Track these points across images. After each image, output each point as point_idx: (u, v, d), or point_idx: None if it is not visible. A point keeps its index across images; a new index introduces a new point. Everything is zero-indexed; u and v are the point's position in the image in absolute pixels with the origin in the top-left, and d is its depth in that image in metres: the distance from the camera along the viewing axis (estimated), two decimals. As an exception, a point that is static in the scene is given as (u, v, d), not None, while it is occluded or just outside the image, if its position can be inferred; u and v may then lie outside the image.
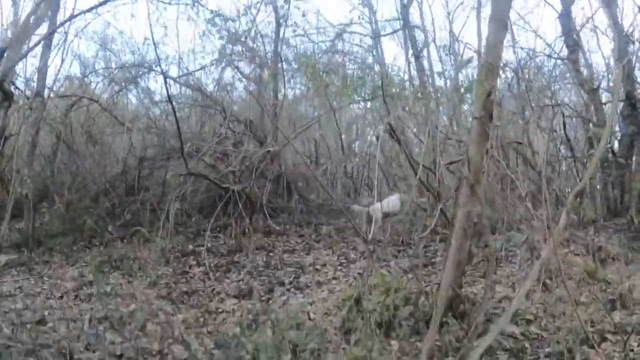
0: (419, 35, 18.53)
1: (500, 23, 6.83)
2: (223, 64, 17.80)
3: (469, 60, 10.55)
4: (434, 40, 19.65)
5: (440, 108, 14.25)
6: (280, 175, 14.83)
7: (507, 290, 8.53)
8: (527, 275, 8.44)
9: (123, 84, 17.05)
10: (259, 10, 17.42)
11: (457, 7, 20.43)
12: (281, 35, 17.38)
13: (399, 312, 7.35)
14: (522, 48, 14.29)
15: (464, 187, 6.72)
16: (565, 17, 14.14)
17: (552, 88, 14.01)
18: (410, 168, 11.30)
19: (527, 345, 6.73)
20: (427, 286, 7.54)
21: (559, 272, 8.32)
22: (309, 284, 9.87)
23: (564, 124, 13.27)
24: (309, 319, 8.03)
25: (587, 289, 8.09)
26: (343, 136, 18.74)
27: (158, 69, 15.19)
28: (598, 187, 13.71)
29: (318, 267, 10.84)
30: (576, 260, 8.89)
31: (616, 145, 13.52)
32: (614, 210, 12.78)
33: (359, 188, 16.73)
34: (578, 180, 13.53)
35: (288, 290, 9.76)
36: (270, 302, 9.17)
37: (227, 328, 8.20)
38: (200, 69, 17.29)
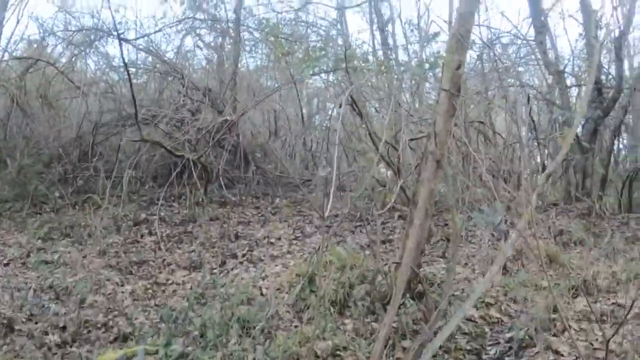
0: (385, 10, 18.19)
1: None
2: (184, 32, 17.21)
3: (436, 35, 10.21)
4: (399, 16, 19.25)
5: (403, 84, 13.90)
6: (237, 145, 14.34)
7: (466, 271, 8.26)
8: (490, 257, 8.18)
9: (81, 47, 16.39)
10: (222, -24, 16.84)
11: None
12: (244, 3, 16.89)
13: (355, 290, 7.03)
14: (488, 27, 13.90)
15: (428, 163, 6.36)
16: (535, -2, 13.86)
17: (517, 69, 13.71)
18: (371, 143, 10.94)
19: (486, 329, 6.45)
20: (385, 265, 7.18)
21: (521, 255, 8.08)
22: (263, 258, 9.50)
23: (529, 105, 13.02)
24: (261, 294, 7.67)
25: (548, 273, 7.83)
26: (304, 109, 18.29)
27: (115, 32, 14.55)
28: (560, 170, 13.52)
29: (273, 240, 10.44)
30: (540, 244, 8.62)
31: (579, 129, 13.28)
32: (575, 195, 12.57)
33: (318, 161, 16.32)
34: (540, 162, 13.33)
35: (241, 263, 9.36)
36: (222, 275, 8.79)
37: (176, 301, 7.84)
38: (157, 31, 16.58)
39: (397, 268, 6.40)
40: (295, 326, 6.68)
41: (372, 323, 6.55)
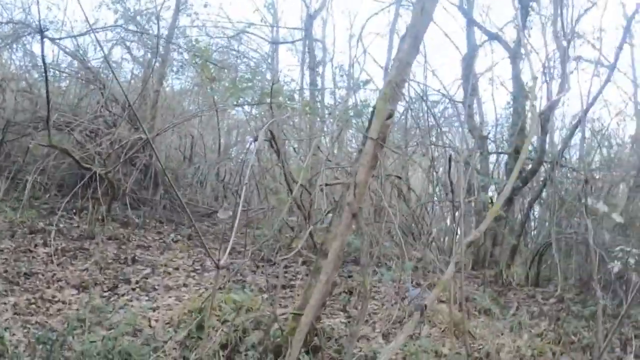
0: (319, 51, 18.09)
1: (415, 41, 6.32)
2: (114, 41, 16.64)
3: (366, 82, 10.03)
4: (331, 59, 19.11)
5: (325, 128, 13.71)
6: (149, 166, 13.86)
7: (366, 329, 7.96)
8: (392, 316, 7.97)
9: (6, 40, 15.66)
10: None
11: (362, 29, 19.61)
12: (179, 22, 16.47)
13: (248, 336, 6.68)
14: (418, 82, 13.84)
15: (344, 214, 6.09)
16: (469, 60, 13.90)
17: (440, 129, 13.65)
18: (285, 182, 10.66)
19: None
20: (283, 315, 6.87)
21: (425, 319, 7.87)
22: (157, 287, 9.03)
23: (449, 166, 12.94)
24: (149, 326, 7.24)
25: (451, 341, 7.64)
26: (222, 139, 17.86)
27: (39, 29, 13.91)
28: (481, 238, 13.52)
29: (170, 269, 9.98)
30: (442, 307, 8.41)
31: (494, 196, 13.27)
32: (483, 261, 12.50)
33: (228, 194, 15.90)
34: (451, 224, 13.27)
35: (133, 290, 8.87)
36: (112, 300, 8.32)
37: (59, 321, 7.36)
38: (84, 34, 15.88)
39: (296, 319, 6.08)
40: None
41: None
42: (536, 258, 11.82)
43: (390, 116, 6.09)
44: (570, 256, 11.58)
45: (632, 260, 6.27)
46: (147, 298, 8.55)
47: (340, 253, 6.14)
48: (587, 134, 13.95)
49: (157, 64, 15.87)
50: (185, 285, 9.18)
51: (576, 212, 11.20)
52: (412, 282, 9.27)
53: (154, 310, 7.87)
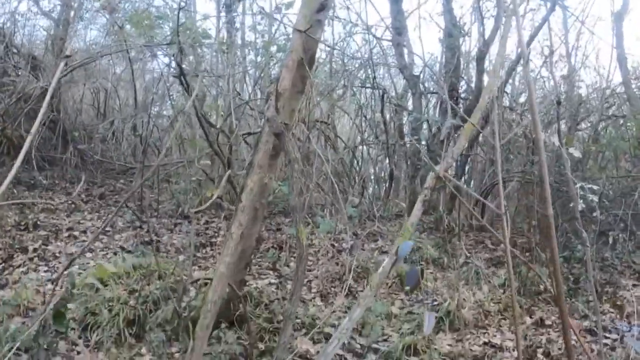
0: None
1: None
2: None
3: (290, 4, 8.68)
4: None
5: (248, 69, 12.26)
6: (57, 121, 12.28)
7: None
8: (331, 274, 6.82)
9: None
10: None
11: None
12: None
13: (159, 310, 5.40)
14: (341, 19, 12.54)
15: (263, 139, 4.72)
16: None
17: (369, 70, 12.44)
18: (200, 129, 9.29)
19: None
20: (201, 279, 5.61)
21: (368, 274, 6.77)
22: (58, 255, 7.61)
23: (382, 105, 11.76)
24: (43, 303, 5.88)
25: (398, 297, 6.53)
26: (139, 94, 16.19)
27: None
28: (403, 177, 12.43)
29: (77, 233, 8.54)
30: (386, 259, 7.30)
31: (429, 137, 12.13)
32: (421, 206, 11.37)
33: (147, 147, 14.41)
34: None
35: (31, 259, 7.39)
36: (5, 273, 6.91)
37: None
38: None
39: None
40: (78, 352, 5.00)
41: (177, 355, 4.96)
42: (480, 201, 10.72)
43: (322, 8, 4.72)
44: (519, 198, 10.50)
45: (595, 198, 5.18)
46: (46, 268, 7.16)
47: (261, 196, 4.81)
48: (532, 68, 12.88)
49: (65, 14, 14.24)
50: (91, 249, 7.74)
51: (524, 149, 10.09)
52: (349, 233, 8.07)
53: (52, 283, 6.49)
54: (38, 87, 11.21)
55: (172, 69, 12.04)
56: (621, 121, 11.34)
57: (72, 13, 14.09)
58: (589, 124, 12.01)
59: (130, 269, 6.41)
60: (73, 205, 10.03)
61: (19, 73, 12.26)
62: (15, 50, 13.04)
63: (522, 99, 13.53)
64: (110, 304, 5.44)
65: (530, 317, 6.24)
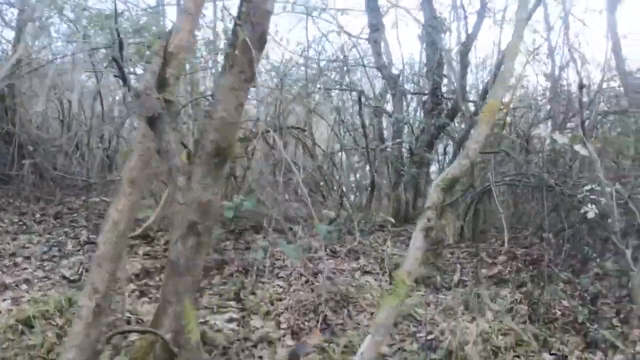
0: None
1: None
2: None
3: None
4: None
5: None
6: (13, 135, 11.21)
7: (268, 324, 5.62)
8: (312, 309, 5.78)
9: None
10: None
11: None
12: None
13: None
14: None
15: (140, 133, 3.59)
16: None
17: (346, 71, 11.53)
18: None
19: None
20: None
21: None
22: (-10, 287, 6.48)
23: (360, 106, 10.77)
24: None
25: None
26: (104, 104, 15.02)
27: None
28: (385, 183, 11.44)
29: (19, 259, 7.39)
30: (369, 281, 6.23)
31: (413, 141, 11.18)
32: (405, 216, 10.40)
33: (112, 161, 13.30)
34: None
35: (-40, 292, 6.29)
36: None
37: None
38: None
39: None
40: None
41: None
42: (471, 208, 9.66)
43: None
44: (515, 205, 9.50)
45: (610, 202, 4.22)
46: (-25, 302, 6.07)
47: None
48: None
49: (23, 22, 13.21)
50: (27, 281, 6.60)
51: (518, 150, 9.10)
52: (326, 250, 6.95)
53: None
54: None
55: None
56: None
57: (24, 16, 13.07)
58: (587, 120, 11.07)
59: (66, 304, 5.35)
60: (23, 227, 8.92)
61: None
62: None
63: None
64: (31, 352, 4.38)
65: (550, 353, 5.12)
